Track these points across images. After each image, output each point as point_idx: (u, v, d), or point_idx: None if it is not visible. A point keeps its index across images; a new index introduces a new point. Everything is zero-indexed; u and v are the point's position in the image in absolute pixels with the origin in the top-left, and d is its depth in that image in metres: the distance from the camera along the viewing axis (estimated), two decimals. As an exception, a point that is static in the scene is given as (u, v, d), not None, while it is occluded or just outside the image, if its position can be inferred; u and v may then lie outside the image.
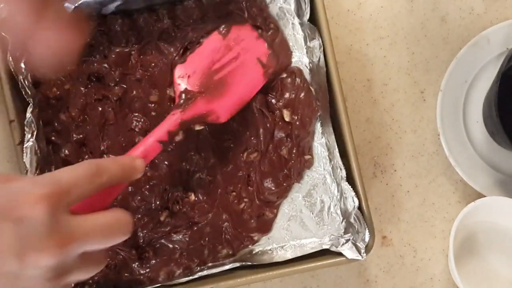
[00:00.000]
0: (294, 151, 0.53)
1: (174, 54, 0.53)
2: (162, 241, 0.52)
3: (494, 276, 0.56)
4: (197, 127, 0.50)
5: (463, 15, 0.59)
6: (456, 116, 0.57)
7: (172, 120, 0.48)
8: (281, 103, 0.54)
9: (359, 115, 0.58)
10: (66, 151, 0.52)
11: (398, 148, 0.58)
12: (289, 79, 0.54)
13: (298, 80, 0.53)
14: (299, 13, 0.54)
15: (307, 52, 0.54)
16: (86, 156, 0.53)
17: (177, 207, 0.52)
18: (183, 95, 0.49)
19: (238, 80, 0.51)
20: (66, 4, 0.50)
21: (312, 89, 0.53)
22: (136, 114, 0.53)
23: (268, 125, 0.53)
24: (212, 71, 0.50)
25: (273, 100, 0.54)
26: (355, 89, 0.58)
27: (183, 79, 0.50)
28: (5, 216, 0.33)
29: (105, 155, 0.53)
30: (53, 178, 0.36)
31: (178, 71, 0.51)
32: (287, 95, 0.54)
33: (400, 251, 0.58)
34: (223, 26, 0.52)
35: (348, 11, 0.59)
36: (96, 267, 0.39)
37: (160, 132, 0.47)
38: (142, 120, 0.53)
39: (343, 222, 0.52)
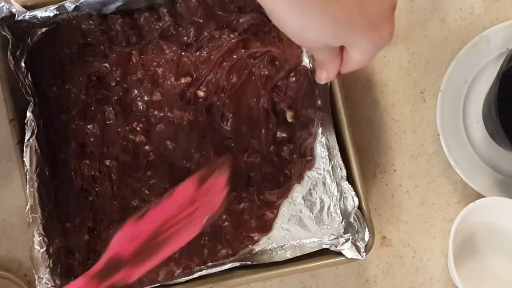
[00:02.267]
0: (295, 152, 0.53)
1: (178, 51, 0.53)
2: None
3: (493, 276, 0.56)
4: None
5: (463, 16, 0.59)
6: (456, 117, 0.57)
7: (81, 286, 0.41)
8: (285, 103, 0.54)
9: (359, 115, 0.58)
10: (66, 151, 0.53)
11: (397, 148, 0.58)
12: (294, 79, 0.54)
13: (302, 80, 0.53)
14: None
15: (307, 52, 0.54)
16: (87, 161, 0.53)
17: None
18: (111, 263, 0.42)
19: (175, 241, 0.44)
20: (67, 3, 0.50)
21: (316, 90, 0.53)
22: (138, 113, 0.53)
23: (270, 125, 0.53)
24: (159, 232, 0.43)
25: (277, 99, 0.54)
26: (355, 89, 0.58)
27: (123, 243, 0.42)
28: None
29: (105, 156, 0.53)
30: None
31: (127, 231, 0.42)
32: (291, 94, 0.53)
33: (400, 251, 0.58)
34: (205, 170, 0.46)
35: (348, 11, 0.59)
36: None
37: None
38: (144, 119, 0.53)
39: (343, 222, 0.52)
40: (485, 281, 0.56)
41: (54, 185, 0.52)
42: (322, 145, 0.54)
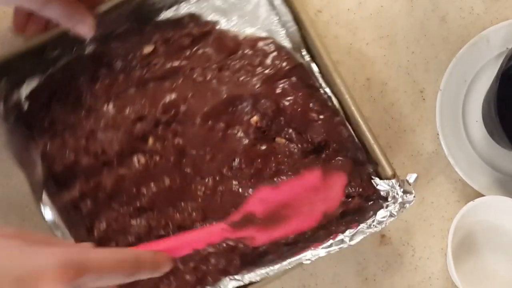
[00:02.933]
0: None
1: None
2: None
3: (492, 275, 0.56)
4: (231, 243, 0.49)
5: (463, 15, 0.59)
6: (455, 116, 0.57)
7: (217, 235, 0.47)
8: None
9: (359, 114, 0.58)
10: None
11: (397, 147, 0.58)
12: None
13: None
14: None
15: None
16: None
17: None
18: (246, 218, 0.48)
19: (294, 223, 0.48)
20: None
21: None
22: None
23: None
24: (284, 206, 0.48)
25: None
26: (355, 88, 0.58)
27: (259, 202, 0.48)
28: None
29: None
30: (82, 259, 0.35)
31: (259, 192, 0.49)
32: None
33: (399, 250, 0.58)
34: (327, 165, 0.50)
35: (348, 10, 0.59)
36: None
37: (199, 238, 0.46)
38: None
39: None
40: (484, 279, 0.56)
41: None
42: None
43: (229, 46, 0.54)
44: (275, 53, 0.53)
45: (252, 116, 0.52)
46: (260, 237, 0.48)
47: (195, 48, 0.54)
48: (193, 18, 0.54)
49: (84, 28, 0.48)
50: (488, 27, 0.57)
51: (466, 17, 0.59)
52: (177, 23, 0.54)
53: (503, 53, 0.56)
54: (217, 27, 0.55)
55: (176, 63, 0.53)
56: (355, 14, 0.59)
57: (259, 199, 0.48)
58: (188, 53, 0.54)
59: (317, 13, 0.59)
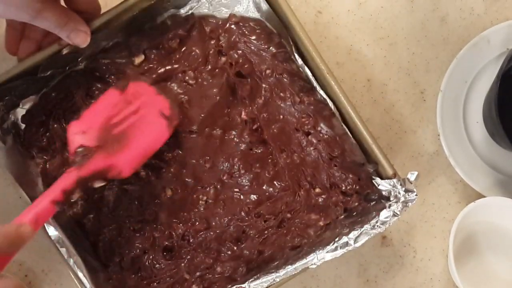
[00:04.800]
0: None
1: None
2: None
3: (493, 276, 0.56)
4: (97, 184, 0.47)
5: (463, 16, 0.59)
6: (456, 117, 0.57)
7: (67, 178, 0.45)
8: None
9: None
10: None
11: (398, 148, 0.58)
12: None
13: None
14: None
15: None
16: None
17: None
18: (79, 151, 0.47)
19: (140, 133, 0.49)
20: None
21: None
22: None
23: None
24: (111, 125, 0.48)
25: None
26: (355, 89, 0.58)
27: (78, 136, 0.47)
28: None
29: None
30: None
31: (73, 128, 0.48)
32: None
33: (400, 251, 0.58)
34: (120, 82, 0.51)
35: (348, 11, 0.59)
36: None
37: (53, 192, 0.45)
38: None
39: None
40: (485, 280, 0.56)
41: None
42: None
43: (212, 27, 0.54)
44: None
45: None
46: (120, 164, 0.47)
47: (183, 49, 0.54)
48: (175, 18, 0.54)
49: (80, 36, 0.47)
50: (488, 28, 0.57)
51: (466, 17, 0.59)
52: (161, 28, 0.53)
53: (504, 53, 0.56)
54: (196, 12, 0.54)
55: (168, 67, 0.53)
56: (356, 15, 0.59)
57: (77, 133, 0.47)
58: (178, 55, 0.54)
59: (318, 14, 0.59)
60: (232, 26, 0.53)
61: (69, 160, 0.47)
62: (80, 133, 0.47)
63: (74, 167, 0.46)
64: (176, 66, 0.53)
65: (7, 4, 0.42)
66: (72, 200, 0.46)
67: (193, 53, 0.54)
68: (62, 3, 0.48)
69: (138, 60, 0.53)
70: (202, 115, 0.53)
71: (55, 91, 0.52)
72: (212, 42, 0.54)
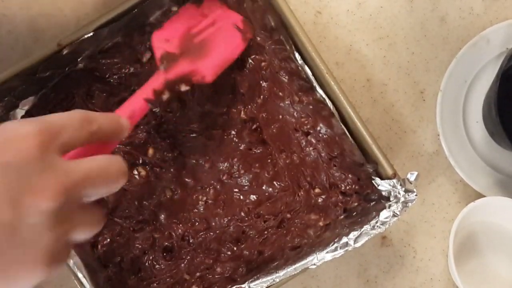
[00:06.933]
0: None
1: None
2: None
3: (493, 276, 0.56)
4: (183, 88, 0.49)
5: (462, 15, 0.59)
6: (456, 116, 0.57)
7: (157, 80, 0.48)
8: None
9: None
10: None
11: (397, 148, 0.58)
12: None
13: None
14: None
15: None
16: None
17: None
18: (165, 57, 0.49)
19: (218, 42, 0.51)
20: None
21: None
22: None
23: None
24: (191, 35, 0.51)
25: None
26: (355, 89, 0.58)
27: (162, 43, 0.50)
28: None
29: None
30: (42, 118, 0.34)
31: (157, 36, 0.50)
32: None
33: (400, 252, 0.58)
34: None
35: (347, 11, 0.59)
36: (97, 223, 0.37)
37: (145, 91, 0.47)
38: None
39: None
40: (485, 280, 0.56)
41: None
42: None
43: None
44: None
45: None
46: (203, 69, 0.49)
47: None
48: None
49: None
50: (488, 27, 0.57)
51: (466, 17, 0.59)
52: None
53: (503, 53, 0.56)
54: None
55: None
56: (355, 15, 0.59)
57: (160, 41, 0.50)
58: None
59: (317, 14, 0.59)
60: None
61: (157, 66, 0.50)
62: (163, 41, 0.50)
63: (161, 70, 0.48)
64: None
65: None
66: (163, 100, 0.48)
67: None
68: None
69: (146, 57, 0.53)
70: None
71: (54, 91, 0.52)
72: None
